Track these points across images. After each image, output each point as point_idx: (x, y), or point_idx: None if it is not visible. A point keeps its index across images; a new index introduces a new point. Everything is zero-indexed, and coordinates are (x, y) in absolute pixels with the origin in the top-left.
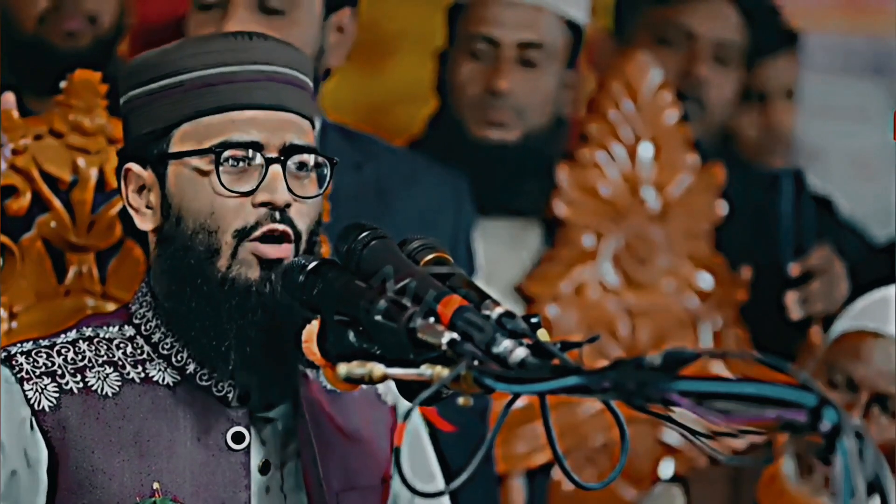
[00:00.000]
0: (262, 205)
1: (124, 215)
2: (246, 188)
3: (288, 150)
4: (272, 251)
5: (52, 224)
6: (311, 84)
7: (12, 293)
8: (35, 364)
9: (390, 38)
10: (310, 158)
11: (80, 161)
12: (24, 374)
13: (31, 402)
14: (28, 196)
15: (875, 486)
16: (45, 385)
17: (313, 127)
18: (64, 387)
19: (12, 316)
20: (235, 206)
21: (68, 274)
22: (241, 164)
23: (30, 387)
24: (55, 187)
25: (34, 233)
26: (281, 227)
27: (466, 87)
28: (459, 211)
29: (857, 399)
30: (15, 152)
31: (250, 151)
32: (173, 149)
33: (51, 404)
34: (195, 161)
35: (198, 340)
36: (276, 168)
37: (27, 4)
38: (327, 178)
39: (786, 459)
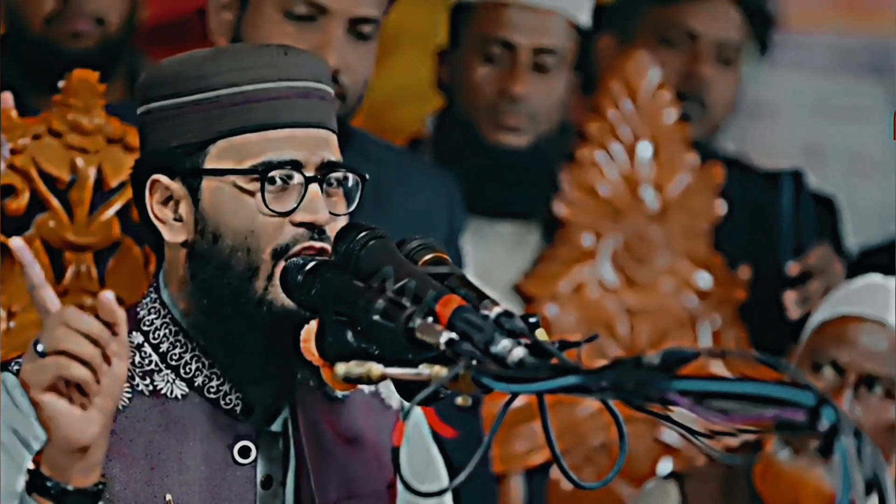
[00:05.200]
0: (302, 224)
1: (122, 215)
2: (286, 208)
3: (325, 167)
4: None
5: (51, 223)
6: (333, 94)
7: (10, 293)
8: None
9: (390, 37)
10: (339, 174)
11: (79, 160)
12: None
13: None
14: (26, 195)
15: (873, 485)
16: None
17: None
18: None
19: (10, 315)
20: (276, 225)
21: (66, 273)
22: (280, 182)
23: None
24: (54, 187)
25: (32, 232)
26: (319, 244)
27: (480, 90)
28: (452, 212)
29: (844, 382)
30: (13, 152)
31: (290, 171)
32: (209, 164)
33: None
34: (237, 179)
35: (226, 358)
36: (314, 187)
37: (34, 5)
38: (357, 194)
39: (774, 443)
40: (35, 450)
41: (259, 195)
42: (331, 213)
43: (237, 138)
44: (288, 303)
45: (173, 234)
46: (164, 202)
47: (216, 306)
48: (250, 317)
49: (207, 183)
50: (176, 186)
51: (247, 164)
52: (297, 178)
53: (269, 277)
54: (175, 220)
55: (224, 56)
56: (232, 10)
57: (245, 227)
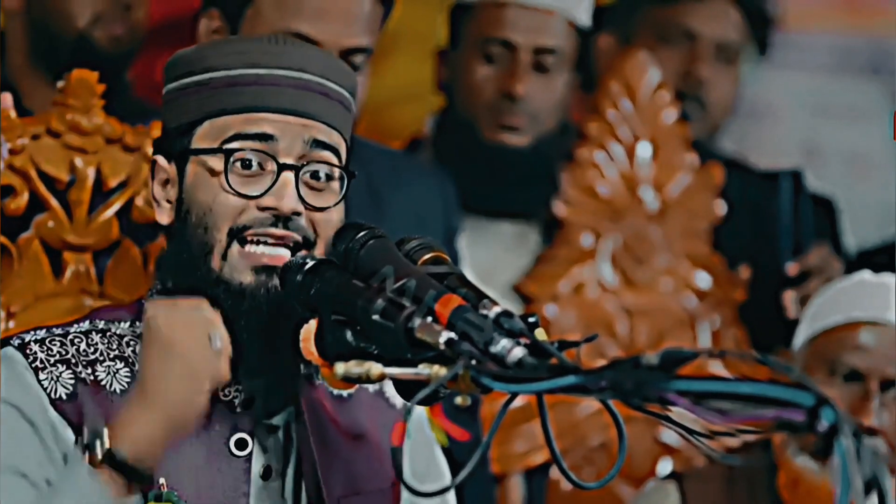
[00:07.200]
0: (268, 209)
1: (122, 215)
2: (253, 192)
3: (311, 145)
4: (266, 258)
5: (50, 224)
6: (347, 96)
7: (10, 293)
8: (49, 352)
9: (390, 38)
10: (331, 168)
11: (78, 161)
12: (38, 363)
13: (48, 390)
14: (25, 196)
15: (873, 485)
16: (61, 373)
17: (346, 142)
18: (79, 375)
19: (10, 315)
20: (236, 205)
21: (66, 274)
22: (254, 167)
23: (45, 376)
24: (53, 187)
25: (32, 232)
26: (280, 231)
27: (480, 90)
28: (448, 214)
29: (866, 389)
30: (12, 152)
31: (265, 156)
32: (193, 145)
33: (67, 391)
34: (209, 160)
35: None
36: (288, 175)
37: (80, 4)
38: (343, 190)
39: (795, 456)
40: (37, 424)
41: (223, 175)
42: (310, 205)
43: (219, 120)
44: (246, 281)
45: (162, 216)
46: (163, 184)
47: (181, 285)
48: (209, 296)
49: (191, 165)
50: (170, 169)
51: (217, 144)
52: (272, 165)
53: (224, 257)
54: (167, 201)
55: (224, 42)
56: (222, 35)
57: (206, 204)
